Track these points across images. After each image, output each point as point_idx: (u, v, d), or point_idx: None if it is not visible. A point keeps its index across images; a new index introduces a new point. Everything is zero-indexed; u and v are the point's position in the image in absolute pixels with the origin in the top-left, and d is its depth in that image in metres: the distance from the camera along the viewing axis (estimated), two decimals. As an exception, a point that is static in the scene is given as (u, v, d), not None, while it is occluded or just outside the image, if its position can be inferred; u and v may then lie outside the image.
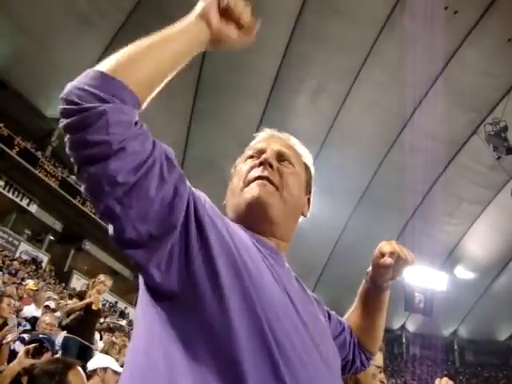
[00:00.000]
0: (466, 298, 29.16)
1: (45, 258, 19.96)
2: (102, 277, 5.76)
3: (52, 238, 21.57)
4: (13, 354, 4.35)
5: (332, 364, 0.94)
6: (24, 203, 19.48)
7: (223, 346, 0.76)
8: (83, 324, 5.47)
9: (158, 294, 0.82)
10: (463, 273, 28.85)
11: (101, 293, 5.70)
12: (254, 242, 0.95)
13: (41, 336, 3.27)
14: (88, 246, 22.32)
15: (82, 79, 0.76)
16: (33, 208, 19.86)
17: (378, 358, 2.03)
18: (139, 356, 0.81)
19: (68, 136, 0.75)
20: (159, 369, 0.76)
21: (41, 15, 17.21)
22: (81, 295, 5.82)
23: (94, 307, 5.49)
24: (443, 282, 26.92)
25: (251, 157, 1.10)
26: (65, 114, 0.75)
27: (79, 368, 2.39)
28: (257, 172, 1.03)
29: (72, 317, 5.49)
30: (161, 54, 0.84)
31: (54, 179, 19.62)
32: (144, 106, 0.82)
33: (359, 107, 21.95)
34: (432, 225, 25.02)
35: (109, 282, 5.80)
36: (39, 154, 19.82)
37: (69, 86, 0.76)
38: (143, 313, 0.85)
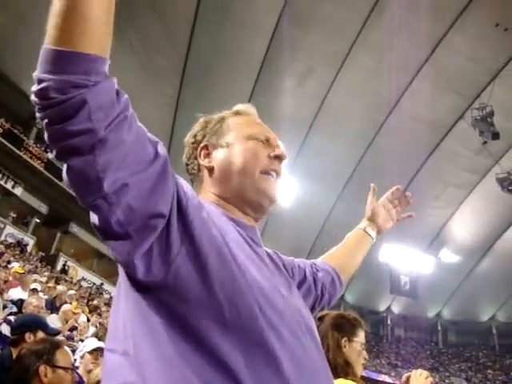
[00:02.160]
0: (451, 280, 29.65)
1: (30, 241, 19.81)
2: None
3: (38, 220, 21.40)
4: (0, 337, 4.35)
5: (313, 329, 0.97)
6: (9, 186, 19.24)
7: (213, 336, 0.77)
8: None
9: (141, 287, 0.80)
10: (448, 256, 29.27)
11: None
12: (233, 225, 0.97)
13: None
14: (74, 228, 22.20)
15: (46, 66, 0.69)
16: (18, 191, 19.64)
17: (362, 336, 2.09)
18: (119, 346, 0.81)
19: (47, 128, 0.71)
20: (139, 358, 0.76)
21: (24, -7, 16.83)
22: None
23: None
24: (428, 264, 27.35)
25: (256, 138, 1.08)
26: (41, 107, 0.70)
27: (66, 347, 2.41)
28: (275, 166, 1.07)
29: None
30: None
31: (39, 161, 19.39)
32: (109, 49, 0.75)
33: (346, 91, 21.91)
34: (418, 208, 25.25)
35: None
36: (24, 135, 19.56)
37: (36, 80, 0.70)
38: (125, 300, 0.84)
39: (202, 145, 1.10)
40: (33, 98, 0.71)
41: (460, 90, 21.07)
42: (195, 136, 1.13)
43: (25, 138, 19.34)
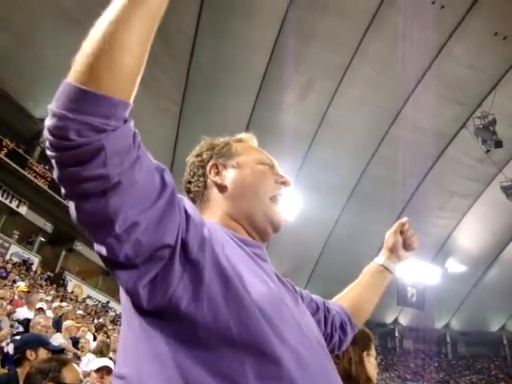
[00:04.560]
0: (458, 290, 29.43)
1: (36, 260, 19.81)
2: None
3: (42, 239, 21.42)
4: (6, 357, 4.33)
5: (322, 342, 0.97)
6: (13, 205, 19.30)
7: (222, 355, 0.76)
8: None
9: (145, 312, 0.80)
10: (455, 266, 29.08)
11: None
12: (236, 241, 0.97)
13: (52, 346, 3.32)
14: (79, 246, 22.19)
15: (66, 102, 0.66)
16: (23, 210, 19.70)
17: (374, 349, 2.05)
18: (125, 371, 0.81)
19: (59, 169, 0.69)
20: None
21: (26, 14, 17.04)
22: None
23: None
24: (435, 275, 27.15)
25: (264, 163, 1.13)
26: (55, 147, 0.68)
27: (74, 365, 2.40)
28: (281, 191, 1.13)
29: None
30: (139, 29, 0.70)
31: (43, 180, 19.47)
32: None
33: (348, 103, 22.00)
34: (423, 219, 25.14)
35: None
36: (28, 154, 19.67)
37: (53, 114, 0.67)
38: (128, 325, 0.85)
39: (211, 163, 1.12)
40: (47, 134, 0.68)
41: (461, 99, 21.13)
42: (201, 155, 1.15)
43: (29, 158, 19.44)
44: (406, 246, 1.53)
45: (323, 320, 1.28)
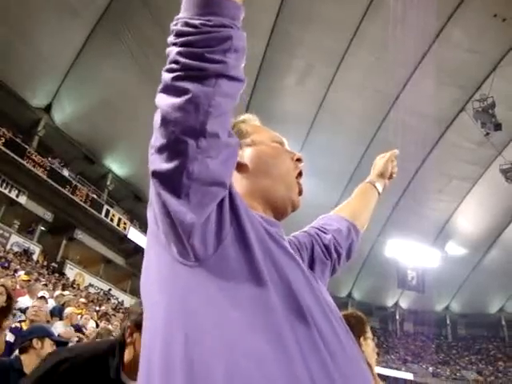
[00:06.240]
0: (458, 273, 29.59)
1: (36, 249, 19.87)
2: None
3: (43, 228, 21.46)
4: (6, 345, 4.35)
5: (342, 318, 0.93)
6: (13, 195, 19.30)
7: (262, 317, 0.73)
8: None
9: (186, 266, 0.76)
10: (454, 249, 29.21)
11: None
12: (262, 221, 0.95)
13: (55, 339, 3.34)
14: (80, 235, 22.23)
15: (195, 9, 0.76)
16: (22, 199, 19.70)
17: (370, 331, 2.06)
18: (163, 330, 0.75)
19: (185, 49, 0.76)
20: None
21: (21, 5, 16.88)
22: None
23: None
24: (435, 258, 27.30)
25: (277, 141, 1.13)
26: (189, 32, 0.75)
27: None
28: (299, 168, 1.11)
29: None
30: None
31: (42, 169, 19.44)
32: None
33: (347, 88, 21.90)
34: (423, 203, 25.20)
35: None
36: (26, 144, 19.60)
37: (182, 19, 0.77)
38: (160, 288, 0.78)
39: None
40: (180, 26, 0.77)
41: (460, 82, 21.02)
42: None
43: (27, 147, 19.38)
44: (389, 176, 1.63)
45: (326, 252, 1.24)
